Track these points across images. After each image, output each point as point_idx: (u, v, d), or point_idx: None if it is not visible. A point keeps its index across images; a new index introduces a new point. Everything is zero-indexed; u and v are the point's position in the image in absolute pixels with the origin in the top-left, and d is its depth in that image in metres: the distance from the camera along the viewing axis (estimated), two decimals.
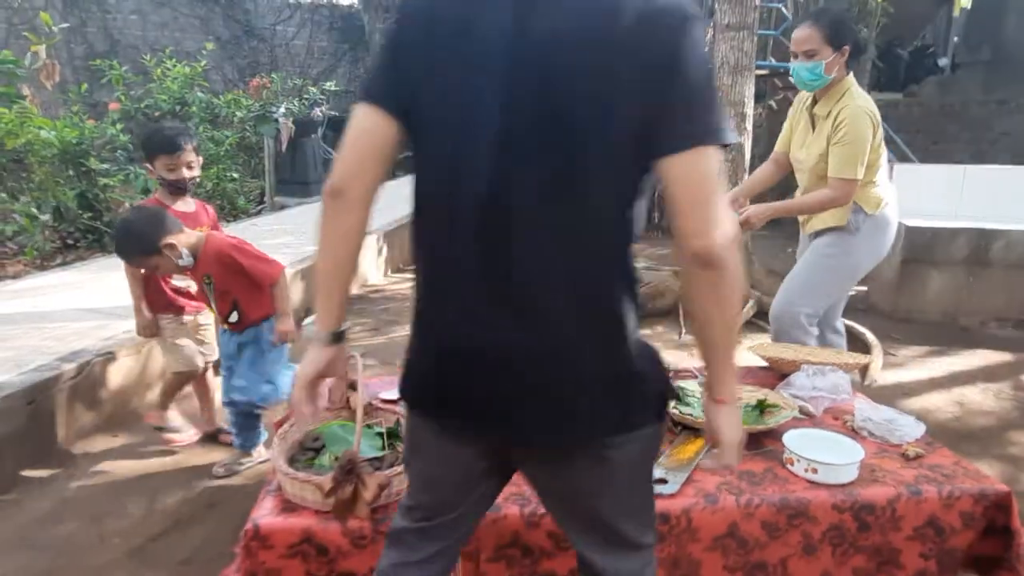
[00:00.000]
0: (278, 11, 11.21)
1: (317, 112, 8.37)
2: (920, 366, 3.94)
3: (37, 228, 5.23)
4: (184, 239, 2.45)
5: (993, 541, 1.80)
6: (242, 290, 2.50)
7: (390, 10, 11.20)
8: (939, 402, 3.42)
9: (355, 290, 5.46)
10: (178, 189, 2.74)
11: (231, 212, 7.48)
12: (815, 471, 1.77)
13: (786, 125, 2.90)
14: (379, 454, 1.80)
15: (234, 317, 2.54)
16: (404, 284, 5.84)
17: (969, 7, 10.47)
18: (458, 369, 1.15)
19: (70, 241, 5.99)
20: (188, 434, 2.95)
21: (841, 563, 1.77)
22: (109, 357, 3.06)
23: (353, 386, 2.07)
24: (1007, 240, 4.64)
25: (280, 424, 2.53)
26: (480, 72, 1.04)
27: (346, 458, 1.57)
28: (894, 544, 1.77)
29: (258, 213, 7.77)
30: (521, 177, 1.05)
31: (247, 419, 2.69)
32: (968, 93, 8.51)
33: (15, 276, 4.89)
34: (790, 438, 1.87)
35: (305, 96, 8.08)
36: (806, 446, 1.83)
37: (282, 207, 7.61)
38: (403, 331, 4.58)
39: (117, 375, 3.12)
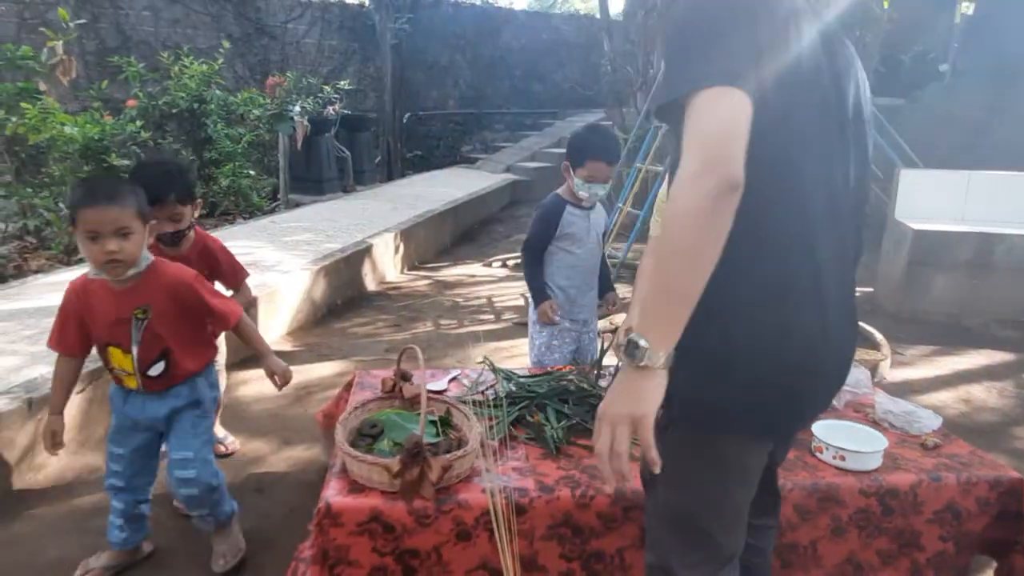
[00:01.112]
0: (289, 9, 11.29)
1: (330, 111, 8.47)
2: (927, 364, 4.08)
3: (64, 223, 5.32)
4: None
5: (1005, 525, 1.93)
6: (183, 334, 2.01)
7: (401, 10, 11.31)
8: (946, 399, 3.55)
9: (373, 287, 5.58)
10: (172, 242, 2.33)
11: (246, 209, 7.58)
12: (843, 458, 1.90)
13: None
14: (435, 440, 1.92)
15: (157, 369, 1.99)
16: (420, 281, 5.95)
17: (971, 14, 10.62)
18: (818, 383, 1.25)
19: None
20: (231, 440, 2.92)
21: (866, 545, 1.90)
22: None
23: (405, 376, 2.21)
24: (1010, 244, 4.78)
25: (326, 415, 2.67)
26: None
27: (412, 442, 1.70)
28: (915, 527, 1.90)
29: (272, 211, 7.87)
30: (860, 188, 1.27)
31: (210, 494, 2.08)
32: (970, 99, 8.64)
33: (38, 270, 4.99)
34: (818, 428, 1.99)
35: (319, 95, 8.18)
36: (833, 435, 1.96)
37: (296, 205, 7.71)
38: (424, 327, 4.71)
39: None
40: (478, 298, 5.51)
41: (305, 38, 11.68)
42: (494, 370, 2.42)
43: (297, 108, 7.71)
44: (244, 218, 7.37)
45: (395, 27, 11.30)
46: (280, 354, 3.97)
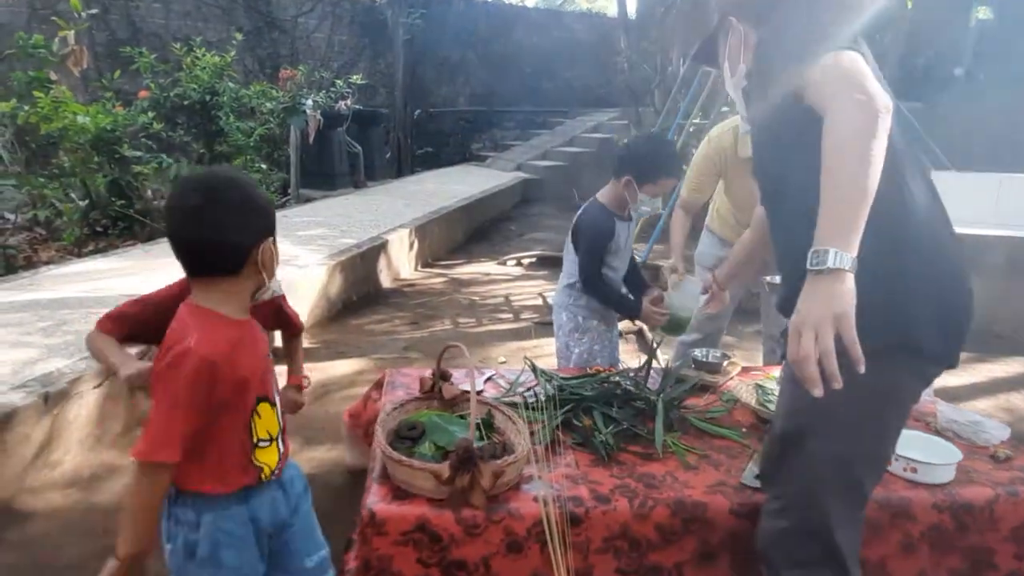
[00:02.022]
0: (300, 3, 11.19)
1: (342, 105, 8.37)
2: (963, 372, 3.97)
3: (77, 214, 5.23)
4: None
5: None
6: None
7: (414, 5, 11.20)
8: (988, 408, 3.44)
9: (388, 284, 5.47)
10: None
11: None
12: (914, 470, 1.79)
13: (704, 173, 2.85)
14: (479, 444, 1.81)
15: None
16: (436, 279, 5.85)
17: (987, 18, 10.51)
18: (968, 315, 1.42)
19: (99, 228, 5.99)
20: None
21: (938, 563, 1.79)
22: None
23: (445, 376, 2.10)
24: (961, 241, 4.67)
25: (352, 416, 2.56)
26: None
27: (463, 447, 1.59)
28: (990, 544, 1.79)
29: (283, 205, 7.77)
30: None
31: None
32: (988, 104, 8.52)
33: (48, 262, 4.89)
34: None
35: (332, 89, 8.08)
36: (902, 446, 1.84)
37: (307, 200, 7.61)
38: (442, 325, 4.60)
39: None
40: (495, 297, 5.41)
41: (315, 32, 11.58)
42: (535, 371, 2.30)
43: (310, 102, 7.61)
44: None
45: (408, 22, 11.19)
46: None
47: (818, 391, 1.13)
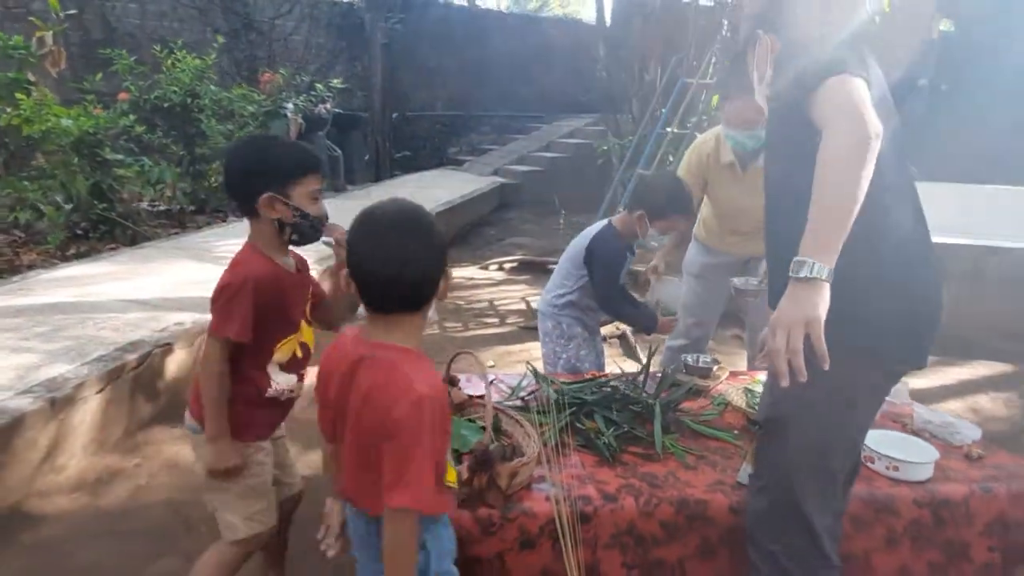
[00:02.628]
0: (277, 5, 11.14)
1: (322, 109, 8.37)
2: (931, 375, 4.16)
3: (61, 217, 5.19)
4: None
5: None
6: None
7: (393, 9, 11.24)
8: (957, 409, 3.62)
9: None
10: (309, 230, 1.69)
11: None
12: (896, 468, 1.92)
13: (689, 180, 2.84)
14: (493, 446, 1.89)
15: None
16: None
17: (949, 30, 10.90)
18: (935, 322, 1.53)
19: (79, 232, 5.93)
20: None
21: (918, 556, 1.92)
22: (167, 348, 3.10)
23: (453, 381, 2.18)
24: (1005, 257, 4.90)
25: None
26: None
27: (480, 449, 1.67)
28: (966, 538, 1.93)
29: None
30: None
31: None
32: (956, 116, 8.85)
33: (31, 266, 4.85)
34: (868, 438, 2.01)
35: (312, 93, 8.08)
36: (884, 446, 1.98)
37: None
38: (429, 329, 4.66)
39: (173, 367, 3.16)
40: (480, 301, 5.49)
41: (293, 35, 11.54)
42: (536, 376, 2.40)
43: (291, 105, 7.61)
44: (237, 216, 7.25)
45: (386, 27, 11.21)
46: None
47: (784, 382, 1.29)
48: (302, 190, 1.65)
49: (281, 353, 1.73)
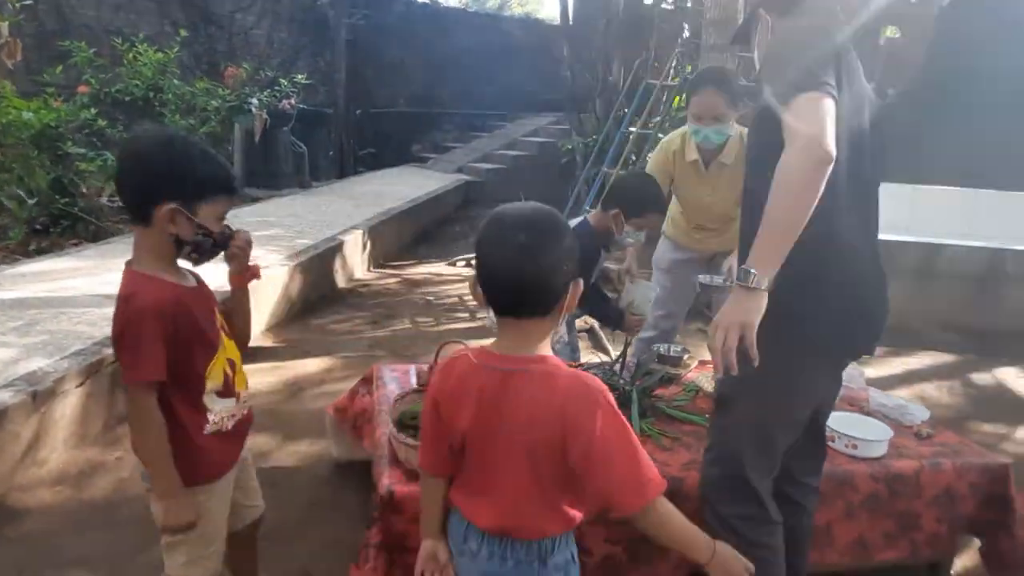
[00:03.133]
0: None
1: (286, 104, 8.31)
2: (882, 365, 4.39)
3: (25, 212, 5.09)
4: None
5: (993, 508, 2.15)
6: None
7: (357, 5, 11.19)
8: (905, 396, 3.83)
9: (343, 284, 5.55)
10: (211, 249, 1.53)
11: None
12: (855, 447, 2.08)
13: (658, 178, 2.92)
14: None
15: None
16: (389, 279, 5.96)
17: (897, 36, 11.35)
18: (873, 317, 1.66)
19: (38, 227, 5.81)
20: None
21: (873, 526, 2.08)
22: None
23: None
24: (951, 254, 5.19)
25: (337, 410, 2.69)
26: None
27: None
28: (916, 510, 2.10)
29: None
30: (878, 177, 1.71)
31: None
32: (896, 116, 9.24)
33: None
34: (830, 419, 2.16)
35: (277, 88, 8.03)
36: (844, 426, 2.14)
37: (254, 199, 7.54)
38: (401, 324, 4.73)
39: None
40: (449, 296, 5.57)
41: (254, 29, 11.39)
42: None
43: (255, 101, 7.56)
44: None
45: (350, 22, 11.17)
46: (263, 351, 3.99)
47: (720, 375, 1.45)
48: (211, 209, 1.44)
49: (213, 379, 1.53)
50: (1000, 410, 3.83)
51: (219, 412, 1.54)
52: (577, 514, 1.31)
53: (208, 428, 1.52)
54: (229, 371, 1.57)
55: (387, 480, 1.81)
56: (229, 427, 1.57)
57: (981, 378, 4.32)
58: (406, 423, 2.07)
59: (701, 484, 1.78)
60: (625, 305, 2.82)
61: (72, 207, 5.68)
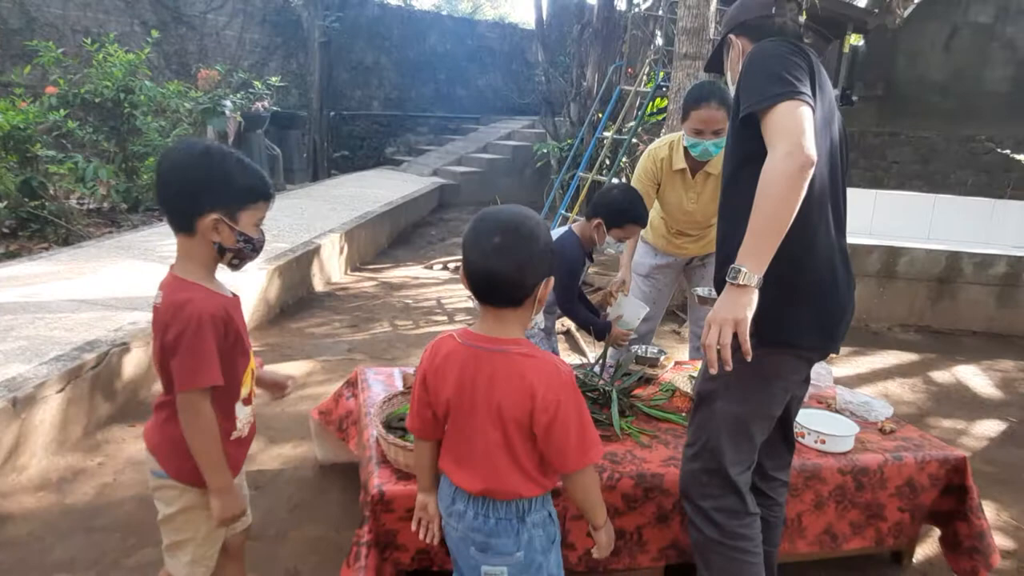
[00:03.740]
0: None
1: (259, 107, 8.28)
2: (846, 364, 4.54)
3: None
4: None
5: (951, 497, 2.27)
6: None
7: (330, 7, 11.16)
8: (869, 394, 3.97)
9: (321, 287, 5.56)
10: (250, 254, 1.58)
11: None
12: (823, 442, 2.18)
13: (645, 184, 3.06)
14: None
15: None
16: (366, 283, 5.97)
17: (862, 44, 11.66)
18: (844, 317, 1.72)
19: (6, 230, 5.72)
20: None
21: (841, 517, 2.19)
22: (124, 348, 3.10)
23: None
24: (911, 257, 5.38)
25: (322, 413, 2.72)
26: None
27: None
28: (880, 500, 2.21)
29: None
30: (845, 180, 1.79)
31: None
32: (864, 124, 9.51)
33: None
34: (799, 416, 2.26)
35: (250, 90, 7.98)
36: (813, 422, 2.24)
37: None
38: (380, 327, 4.76)
39: (130, 366, 3.16)
40: (427, 300, 5.61)
41: (225, 30, 11.29)
42: None
43: (229, 103, 7.51)
44: None
45: (324, 24, 11.13)
46: None
47: (713, 370, 1.50)
48: (251, 216, 1.51)
49: (245, 386, 1.60)
50: (959, 406, 4.00)
51: (243, 419, 1.60)
52: (549, 481, 1.47)
53: (234, 435, 1.58)
54: (251, 381, 1.64)
55: (377, 480, 1.86)
56: (245, 433, 1.63)
57: (941, 376, 4.50)
58: (393, 425, 2.12)
59: (682, 479, 1.84)
60: (613, 318, 2.88)
61: (41, 210, 5.61)
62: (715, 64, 1.98)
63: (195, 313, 1.43)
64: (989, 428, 3.72)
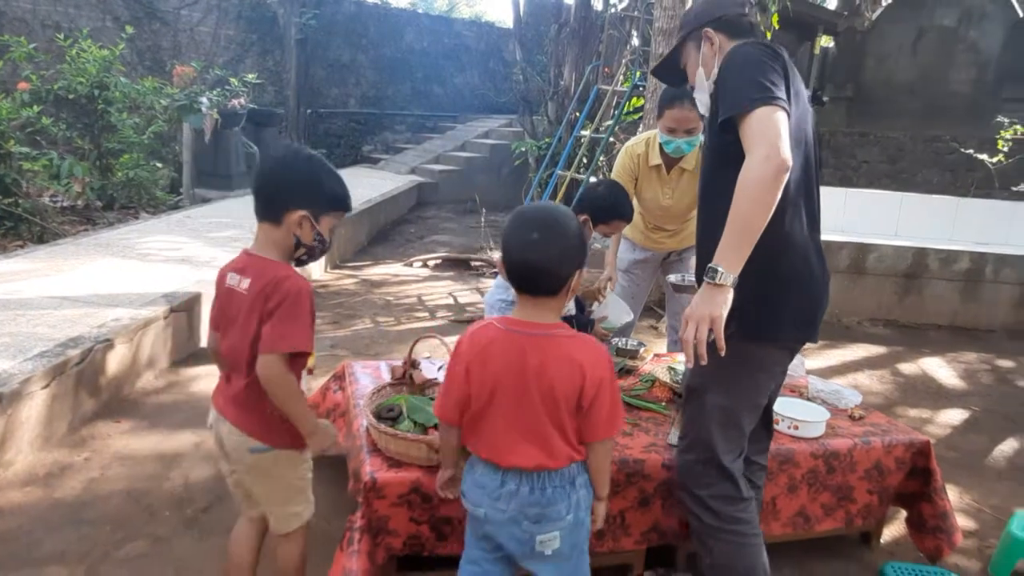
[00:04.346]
0: None
1: (235, 104, 8.23)
2: (819, 357, 4.68)
3: None
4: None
5: (916, 479, 2.38)
6: None
7: (307, 4, 11.11)
8: (840, 384, 4.11)
9: None
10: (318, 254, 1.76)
11: (149, 203, 7.25)
12: (797, 427, 2.28)
13: (624, 179, 3.12)
14: None
15: None
16: (347, 280, 5.99)
17: (832, 46, 11.91)
18: (821, 308, 1.83)
19: None
20: None
21: (813, 499, 2.29)
22: (107, 344, 3.11)
23: (415, 364, 2.38)
24: (879, 253, 5.55)
25: (311, 406, 2.76)
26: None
27: None
28: (850, 483, 2.31)
29: (176, 205, 7.56)
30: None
31: None
32: (835, 125, 9.73)
33: None
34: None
35: (227, 87, 7.94)
36: (786, 409, 2.34)
37: (204, 200, 7.45)
38: (363, 324, 4.79)
39: (113, 362, 3.16)
40: (408, 297, 5.65)
41: (200, 26, 11.21)
42: None
43: (205, 100, 7.47)
44: (149, 212, 7.06)
45: (300, 22, 11.08)
46: None
47: (690, 364, 1.59)
48: (329, 221, 1.69)
49: (312, 359, 1.80)
50: (924, 396, 4.15)
51: (305, 387, 1.78)
52: (582, 448, 1.59)
53: None
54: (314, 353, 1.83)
55: (369, 467, 1.91)
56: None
57: (907, 367, 4.66)
58: (383, 415, 2.17)
59: (679, 470, 1.91)
60: (598, 317, 2.95)
61: (15, 208, 5.55)
62: (667, 69, 2.03)
63: (296, 285, 1.60)
64: (953, 416, 3.87)
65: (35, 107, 6.03)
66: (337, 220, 1.72)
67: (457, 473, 1.70)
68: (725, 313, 1.54)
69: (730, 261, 1.54)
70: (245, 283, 1.63)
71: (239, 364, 1.66)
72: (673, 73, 2.05)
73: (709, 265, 1.56)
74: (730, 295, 1.55)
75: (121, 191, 7.17)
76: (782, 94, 1.58)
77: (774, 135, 1.52)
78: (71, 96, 6.69)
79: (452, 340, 1.98)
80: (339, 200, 1.70)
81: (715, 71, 1.78)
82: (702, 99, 1.92)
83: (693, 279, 2.82)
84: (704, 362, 1.54)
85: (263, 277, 1.60)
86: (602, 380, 1.50)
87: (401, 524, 1.90)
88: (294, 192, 1.62)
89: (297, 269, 1.70)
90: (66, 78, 6.69)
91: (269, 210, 1.64)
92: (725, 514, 1.81)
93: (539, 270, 1.49)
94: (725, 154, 1.67)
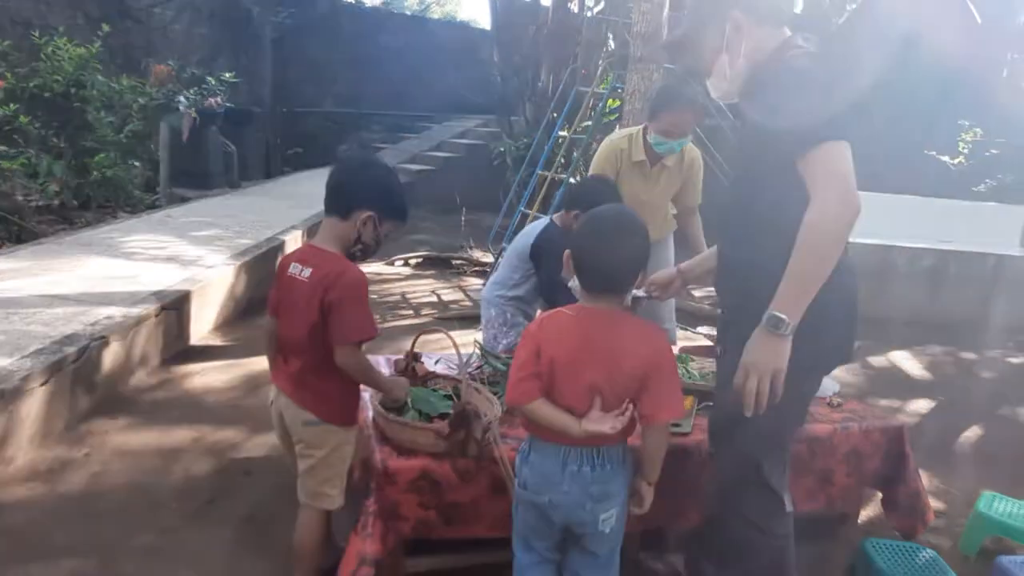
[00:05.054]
0: None
1: (212, 103, 8.19)
2: None
3: None
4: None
5: (891, 463, 2.53)
6: None
7: (283, 3, 11.07)
8: None
9: None
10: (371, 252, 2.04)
11: (126, 203, 7.18)
12: None
13: (606, 172, 3.18)
14: (449, 411, 2.18)
15: None
16: None
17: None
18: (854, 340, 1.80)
19: None
20: None
21: (796, 483, 2.40)
22: (103, 341, 3.13)
23: (416, 357, 2.46)
24: (850, 251, 5.74)
25: None
26: None
27: (459, 409, 1.97)
28: (831, 466, 2.44)
29: (153, 204, 7.50)
30: None
31: None
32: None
33: None
34: None
35: (204, 86, 7.90)
36: None
37: (183, 199, 7.41)
38: None
39: (109, 359, 3.19)
40: (392, 295, 5.71)
41: (173, 24, 11.09)
42: (484, 355, 2.71)
43: (183, 99, 7.43)
44: (127, 212, 7.00)
45: (276, 20, 11.03)
46: (214, 349, 4.04)
47: (749, 414, 1.58)
48: (389, 226, 1.92)
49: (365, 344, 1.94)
50: (894, 387, 4.35)
51: None
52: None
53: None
54: None
55: (379, 455, 1.98)
56: None
57: (877, 360, 4.86)
58: (388, 406, 2.25)
59: (725, 490, 1.89)
60: None
61: None
62: (677, 48, 1.97)
63: (355, 277, 1.79)
64: (921, 406, 4.06)
65: (11, 105, 5.95)
66: (393, 228, 1.93)
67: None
68: (786, 364, 1.52)
69: (792, 312, 1.50)
70: (306, 272, 1.80)
71: (297, 346, 1.81)
72: (685, 52, 1.91)
73: (773, 313, 1.50)
74: (790, 345, 1.52)
75: (97, 190, 7.09)
76: (843, 120, 1.52)
77: (846, 178, 1.47)
78: (47, 94, 6.61)
79: (454, 333, 2.08)
80: (401, 211, 1.92)
81: (740, 63, 1.69)
82: (718, 85, 1.79)
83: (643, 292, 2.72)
84: (762, 411, 1.55)
85: (323, 267, 1.78)
86: (665, 360, 1.63)
87: (411, 509, 1.98)
88: (368, 193, 1.83)
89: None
90: (42, 76, 6.61)
91: (340, 205, 1.83)
92: (770, 531, 1.83)
93: (610, 273, 1.62)
94: (777, 183, 1.59)
